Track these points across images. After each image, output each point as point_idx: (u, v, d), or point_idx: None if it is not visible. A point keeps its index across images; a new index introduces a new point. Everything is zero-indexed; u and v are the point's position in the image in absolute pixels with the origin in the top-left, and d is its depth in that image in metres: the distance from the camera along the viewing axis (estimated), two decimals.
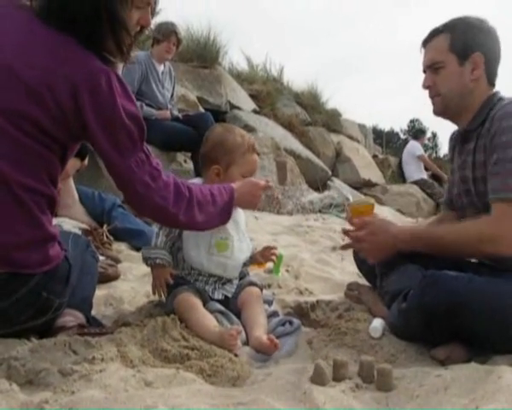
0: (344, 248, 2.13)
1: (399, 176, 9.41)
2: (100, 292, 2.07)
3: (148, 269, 1.92)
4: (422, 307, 1.52)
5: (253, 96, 7.98)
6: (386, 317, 1.74)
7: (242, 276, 1.97)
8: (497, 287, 1.50)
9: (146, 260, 1.85)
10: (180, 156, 5.05)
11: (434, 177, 8.89)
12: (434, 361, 1.52)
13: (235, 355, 1.49)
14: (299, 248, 3.51)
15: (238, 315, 1.80)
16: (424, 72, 1.89)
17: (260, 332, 1.63)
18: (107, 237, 2.83)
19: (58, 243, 1.49)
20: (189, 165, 4.93)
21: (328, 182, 7.09)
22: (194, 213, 1.56)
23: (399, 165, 9.53)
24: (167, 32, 4.59)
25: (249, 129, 6.34)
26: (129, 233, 3.07)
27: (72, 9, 1.35)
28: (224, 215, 1.70)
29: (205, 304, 1.77)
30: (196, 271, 1.85)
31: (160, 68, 4.74)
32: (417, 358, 1.54)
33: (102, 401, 1.09)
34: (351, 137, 9.55)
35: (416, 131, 11.80)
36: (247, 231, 2.03)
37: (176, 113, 4.85)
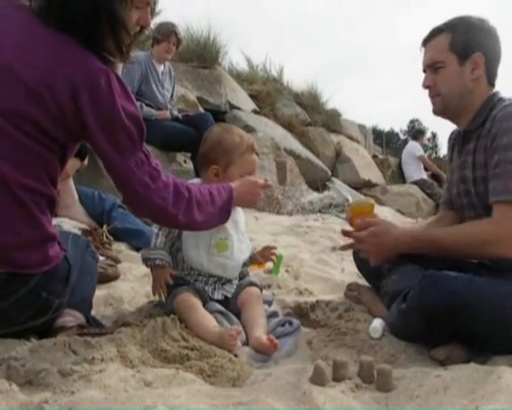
0: (343, 248, 2.12)
1: (399, 176, 9.42)
2: (100, 292, 2.07)
3: (147, 269, 1.92)
4: (422, 308, 1.52)
5: (253, 97, 7.98)
6: (386, 317, 1.74)
7: (242, 276, 1.97)
8: (497, 287, 1.50)
9: (145, 260, 1.85)
10: (180, 157, 5.05)
11: (434, 177, 8.90)
12: (434, 362, 1.52)
13: (235, 356, 1.49)
14: (298, 249, 3.51)
15: (238, 315, 1.80)
16: (424, 71, 1.88)
17: (260, 332, 1.63)
18: (106, 237, 2.83)
19: (58, 244, 1.49)
20: (189, 165, 4.93)
21: (327, 183, 7.08)
22: (193, 214, 1.56)
23: (399, 165, 9.54)
24: (167, 32, 4.59)
25: (249, 129, 6.34)
26: (129, 233, 3.07)
27: (72, 9, 1.35)
28: (224, 215, 1.70)
29: (204, 304, 1.77)
30: (196, 271, 1.85)
31: (160, 68, 4.74)
32: (417, 358, 1.54)
33: (102, 401, 1.09)
34: (350, 138, 9.55)
35: (416, 131, 11.81)
36: (246, 231, 2.03)
37: (176, 113, 4.85)
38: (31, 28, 1.38)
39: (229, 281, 1.90)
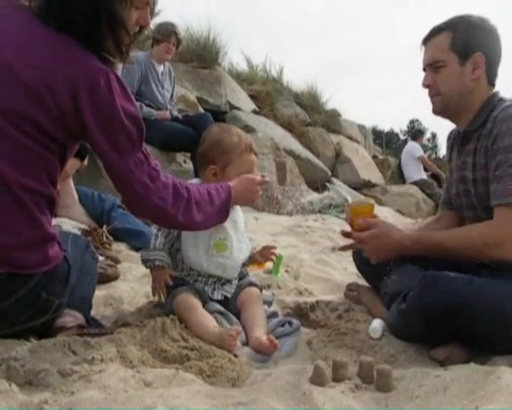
0: (343, 249, 2.12)
1: (399, 176, 9.42)
2: (99, 292, 2.07)
3: (147, 269, 1.92)
4: (422, 308, 1.52)
5: (253, 97, 7.98)
6: (386, 318, 1.74)
7: (242, 276, 1.97)
8: (497, 288, 1.50)
9: (145, 262, 1.85)
10: (180, 157, 5.05)
11: (434, 177, 8.90)
12: (434, 362, 1.52)
13: (235, 356, 1.49)
14: (298, 249, 3.51)
15: (238, 316, 1.80)
16: (424, 70, 1.88)
17: (260, 333, 1.63)
18: (106, 237, 2.83)
19: (57, 244, 1.49)
20: (189, 165, 4.93)
21: (327, 183, 7.08)
22: (192, 214, 1.56)
23: (399, 166, 9.54)
24: (167, 32, 4.59)
25: (249, 129, 6.34)
26: (128, 233, 3.07)
27: (72, 9, 1.35)
28: (222, 214, 1.70)
29: (204, 305, 1.77)
30: (195, 271, 1.85)
31: (160, 69, 4.74)
32: (417, 358, 1.54)
33: (102, 401, 1.09)
34: (350, 138, 9.56)
35: (415, 131, 11.83)
36: (246, 231, 2.03)
37: (175, 113, 4.85)
38: (30, 28, 1.38)
39: (229, 281, 1.90)
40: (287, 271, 2.69)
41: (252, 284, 1.90)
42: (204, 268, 1.83)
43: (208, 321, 1.66)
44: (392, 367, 1.33)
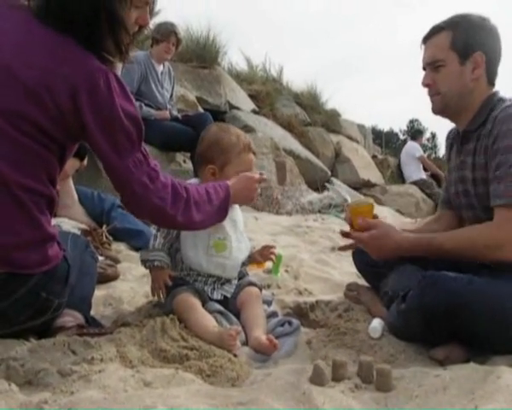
0: (342, 249, 2.12)
1: (398, 176, 9.43)
2: (99, 292, 2.07)
3: (147, 270, 1.92)
4: (422, 308, 1.52)
5: (253, 97, 7.98)
6: (386, 317, 1.74)
7: (241, 276, 1.97)
8: (497, 288, 1.50)
9: (144, 262, 1.85)
10: (179, 156, 5.05)
11: (434, 177, 8.90)
12: (433, 362, 1.52)
13: (235, 356, 1.49)
14: (298, 249, 3.51)
15: (237, 315, 1.80)
16: (424, 69, 1.87)
17: (259, 332, 1.63)
18: (106, 237, 2.83)
19: (57, 244, 1.49)
20: (189, 165, 4.93)
21: (326, 183, 7.07)
22: (191, 214, 1.56)
23: (398, 165, 9.54)
24: (167, 32, 4.59)
25: (248, 129, 6.34)
26: (128, 233, 3.07)
27: (71, 9, 1.35)
28: (221, 213, 1.70)
29: (204, 304, 1.77)
30: (195, 271, 1.85)
31: (160, 68, 4.74)
32: (416, 358, 1.54)
33: (101, 401, 1.09)
34: (350, 138, 9.55)
35: (414, 131, 11.85)
36: (246, 231, 2.03)
37: (175, 113, 4.85)
38: (29, 28, 1.38)
39: (229, 281, 1.90)
40: (286, 270, 2.69)
41: (251, 284, 1.90)
42: (203, 268, 1.83)
43: (208, 321, 1.66)
44: (391, 367, 1.33)
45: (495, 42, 1.80)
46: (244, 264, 2.00)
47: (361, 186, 8.29)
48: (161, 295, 1.85)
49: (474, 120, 1.79)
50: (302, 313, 2.05)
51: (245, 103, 7.50)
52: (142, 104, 4.45)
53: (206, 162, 1.89)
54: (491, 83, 1.82)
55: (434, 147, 30.55)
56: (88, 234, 2.69)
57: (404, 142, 16.67)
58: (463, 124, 1.84)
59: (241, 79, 8.43)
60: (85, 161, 2.97)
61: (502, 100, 1.77)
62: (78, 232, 2.57)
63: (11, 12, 1.43)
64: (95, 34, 1.38)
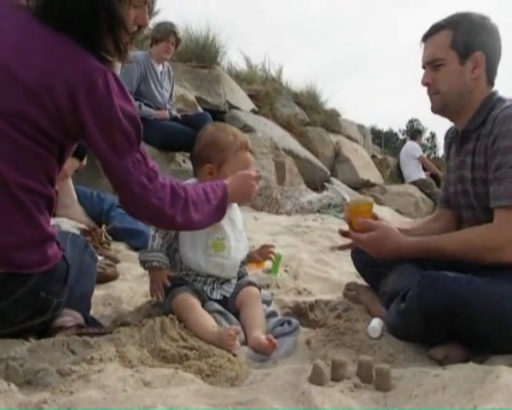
0: (341, 248, 2.12)
1: (398, 176, 9.43)
2: (98, 292, 2.06)
3: (145, 270, 1.92)
4: (422, 308, 1.52)
5: (252, 96, 7.98)
6: (385, 317, 1.74)
7: (241, 276, 1.97)
8: (497, 288, 1.50)
9: (143, 263, 1.85)
10: (179, 156, 5.05)
11: (433, 177, 8.90)
12: (433, 361, 1.52)
13: (234, 355, 1.49)
14: (297, 249, 3.51)
15: (237, 315, 1.80)
16: (423, 67, 1.86)
17: (259, 332, 1.63)
18: (105, 237, 2.83)
19: (56, 243, 1.49)
20: (188, 165, 4.93)
21: (326, 183, 7.07)
22: (190, 214, 1.55)
23: (398, 165, 9.55)
24: (166, 31, 4.59)
25: (248, 129, 6.34)
26: (127, 233, 3.06)
27: (71, 9, 1.35)
28: (219, 212, 1.70)
29: (203, 304, 1.77)
30: (194, 271, 1.85)
31: (159, 68, 4.74)
32: (416, 358, 1.55)
33: (101, 401, 1.09)
34: (349, 138, 9.56)
35: (413, 131, 11.86)
36: (245, 231, 2.02)
37: (174, 113, 4.85)
38: (29, 28, 1.38)
39: (228, 281, 1.90)
40: (286, 270, 2.69)
41: (251, 284, 1.90)
42: (202, 268, 1.83)
43: (207, 321, 1.66)
44: (391, 367, 1.33)
45: (495, 41, 1.79)
46: (243, 263, 2.00)
47: (360, 186, 8.29)
48: (160, 296, 1.85)
49: (474, 119, 1.78)
50: (301, 313, 2.05)
51: (244, 103, 7.50)
52: (142, 104, 4.45)
53: (204, 162, 1.89)
54: (491, 82, 1.81)
55: (434, 147, 30.59)
56: (87, 234, 2.69)
57: (404, 142, 16.69)
58: (463, 123, 1.83)
59: (241, 78, 8.42)
60: (85, 161, 2.97)
61: (501, 100, 1.77)
62: (78, 232, 2.57)
63: (10, 12, 1.42)
64: (94, 34, 1.38)
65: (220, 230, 1.83)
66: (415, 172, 8.84)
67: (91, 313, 1.77)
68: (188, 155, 4.94)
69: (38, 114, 1.34)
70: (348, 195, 5.77)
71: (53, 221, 1.71)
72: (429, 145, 30.61)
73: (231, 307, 1.84)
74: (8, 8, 1.44)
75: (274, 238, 3.81)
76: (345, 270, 2.86)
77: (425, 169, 9.03)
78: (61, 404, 1.09)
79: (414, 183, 8.61)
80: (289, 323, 1.78)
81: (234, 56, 11.28)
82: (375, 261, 1.92)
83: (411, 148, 9.14)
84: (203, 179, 1.87)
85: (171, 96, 4.94)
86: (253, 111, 7.62)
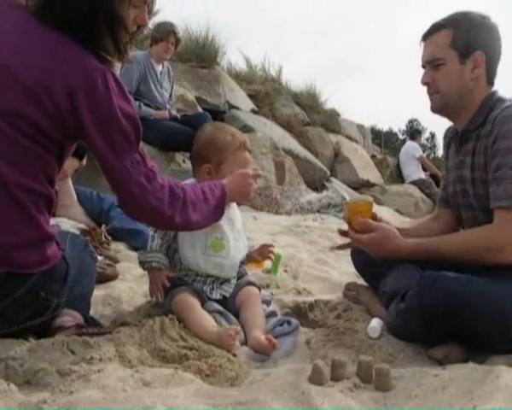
0: (340, 248, 2.12)
1: (398, 176, 9.43)
2: (98, 292, 2.06)
3: (145, 271, 1.92)
4: (421, 308, 1.52)
5: (252, 96, 7.98)
6: (385, 317, 1.74)
7: (240, 275, 1.97)
8: (497, 288, 1.50)
9: (142, 263, 1.85)
10: (179, 156, 5.05)
11: (433, 177, 8.90)
12: (432, 361, 1.52)
13: (234, 355, 1.49)
14: (297, 249, 3.51)
15: (236, 315, 1.80)
16: (423, 67, 1.86)
17: (259, 332, 1.63)
18: (105, 236, 2.83)
19: (56, 243, 1.49)
20: (188, 165, 4.92)
21: (326, 183, 7.08)
22: (188, 214, 1.55)
23: (397, 165, 9.55)
24: (166, 31, 4.59)
25: (248, 129, 6.34)
26: (127, 233, 3.06)
27: (70, 9, 1.35)
28: (218, 212, 1.69)
29: (203, 304, 1.77)
30: (193, 272, 1.85)
31: (159, 68, 4.73)
32: (415, 358, 1.55)
33: (101, 401, 1.09)
34: (349, 138, 9.56)
35: (413, 131, 11.86)
36: (244, 231, 2.02)
37: (174, 113, 4.85)
38: (28, 28, 1.38)
39: (228, 280, 1.90)
40: (285, 270, 2.69)
41: (250, 284, 1.90)
42: (201, 268, 1.83)
43: (207, 321, 1.66)
44: (390, 367, 1.33)
45: (495, 41, 1.79)
46: (243, 263, 2.00)
47: (360, 186, 8.29)
48: (159, 297, 1.85)
49: (474, 119, 1.78)
50: (301, 313, 2.05)
51: (244, 103, 7.50)
52: (142, 104, 4.45)
53: (202, 161, 1.89)
54: (491, 82, 1.81)
55: (433, 147, 30.59)
56: (87, 234, 2.69)
57: (403, 142, 16.68)
58: (462, 123, 1.83)
59: (241, 78, 8.42)
60: (84, 161, 2.97)
61: (501, 100, 1.76)
62: (77, 232, 2.57)
63: (10, 11, 1.42)
64: (93, 33, 1.38)
65: (219, 230, 1.83)
66: (414, 172, 8.84)
67: (91, 312, 1.77)
68: (187, 155, 4.93)
69: (38, 114, 1.34)
70: (348, 195, 5.77)
71: (53, 221, 1.72)
72: (429, 145, 30.62)
73: (231, 307, 1.84)
74: (7, 8, 1.44)
75: (274, 238, 3.81)
76: (344, 270, 2.86)
77: (425, 169, 9.03)
78: (60, 404, 1.09)
79: (414, 183, 8.61)
80: (289, 323, 1.78)
81: (233, 56, 11.28)
82: (375, 261, 1.91)
83: (411, 148, 9.14)
84: (201, 179, 1.87)
85: (170, 96, 4.94)
86: (253, 111, 7.62)
